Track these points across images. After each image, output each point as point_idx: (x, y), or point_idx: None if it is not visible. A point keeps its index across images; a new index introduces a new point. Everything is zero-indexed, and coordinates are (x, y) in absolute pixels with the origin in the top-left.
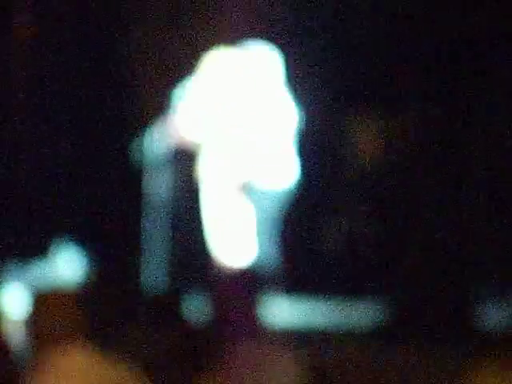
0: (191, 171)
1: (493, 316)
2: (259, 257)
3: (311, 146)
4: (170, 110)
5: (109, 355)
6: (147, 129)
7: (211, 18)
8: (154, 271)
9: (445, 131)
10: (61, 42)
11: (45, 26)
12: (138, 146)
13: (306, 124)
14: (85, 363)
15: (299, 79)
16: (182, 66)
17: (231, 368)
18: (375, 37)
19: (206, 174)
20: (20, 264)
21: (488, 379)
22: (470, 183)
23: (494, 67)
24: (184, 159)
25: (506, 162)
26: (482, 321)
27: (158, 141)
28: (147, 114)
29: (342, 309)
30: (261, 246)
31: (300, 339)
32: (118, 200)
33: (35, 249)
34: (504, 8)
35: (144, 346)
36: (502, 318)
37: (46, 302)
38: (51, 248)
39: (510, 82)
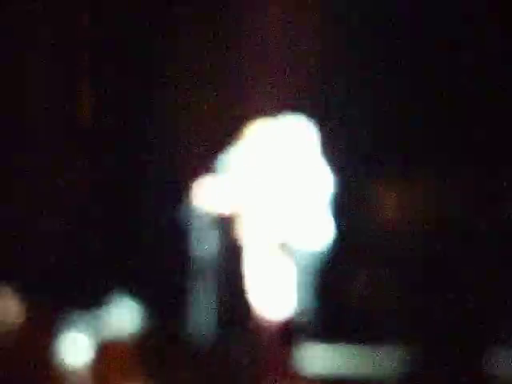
0: (234, 232)
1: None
2: (297, 309)
3: (343, 209)
4: (216, 175)
5: None
6: (195, 193)
7: (252, 90)
8: (201, 323)
9: (466, 198)
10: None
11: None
12: (186, 209)
13: (339, 189)
14: None
15: (331, 148)
16: (227, 134)
17: None
18: (400, 107)
19: (247, 234)
20: (81, 315)
21: None
22: (481, 243)
23: None
24: (228, 221)
25: None
26: (499, 368)
27: (205, 204)
28: (195, 178)
29: (369, 357)
30: (298, 300)
31: None
32: (169, 258)
33: (95, 302)
34: None
35: None
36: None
37: (106, 350)
38: (110, 302)
39: None
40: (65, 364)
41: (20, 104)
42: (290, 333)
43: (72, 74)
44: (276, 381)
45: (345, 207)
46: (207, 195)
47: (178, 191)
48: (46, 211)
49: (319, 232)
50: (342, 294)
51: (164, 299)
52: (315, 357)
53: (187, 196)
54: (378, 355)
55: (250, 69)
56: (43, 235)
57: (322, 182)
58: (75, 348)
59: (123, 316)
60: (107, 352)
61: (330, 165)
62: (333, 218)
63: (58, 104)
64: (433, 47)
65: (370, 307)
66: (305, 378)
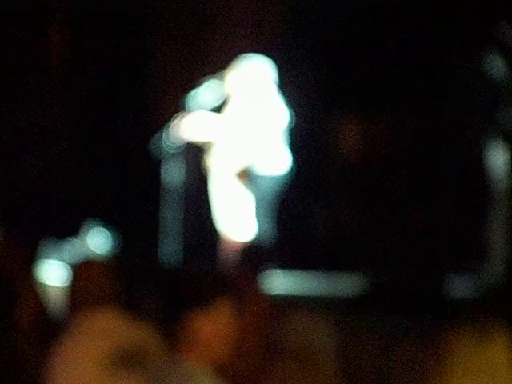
0: (201, 162)
1: (460, 287)
2: (258, 234)
3: (303, 140)
4: (186, 110)
5: (132, 319)
6: (166, 126)
7: (220, 34)
8: (170, 249)
9: (418, 135)
10: (92, 50)
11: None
12: (157, 140)
13: (299, 122)
14: (112, 324)
15: (293, 85)
16: (197, 73)
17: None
18: (360, 46)
19: (213, 163)
20: (57, 242)
21: (458, 344)
22: (438, 177)
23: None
24: (195, 152)
25: (470, 165)
26: (451, 291)
27: (174, 136)
28: (166, 113)
29: (327, 281)
30: (259, 224)
31: (290, 307)
32: (141, 187)
33: (70, 230)
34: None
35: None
36: (468, 288)
37: (80, 271)
38: (83, 229)
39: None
40: (43, 289)
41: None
42: (254, 257)
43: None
44: (242, 303)
45: (303, 139)
46: (180, 127)
47: (151, 123)
48: (24, 144)
49: (279, 161)
50: (303, 223)
51: (134, 227)
52: (278, 282)
53: (159, 128)
54: (338, 280)
55: (220, 14)
56: (22, 167)
57: (281, 114)
58: (52, 272)
59: (96, 243)
60: (82, 273)
61: (289, 100)
62: (293, 149)
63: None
64: None
65: (329, 235)
66: (270, 300)
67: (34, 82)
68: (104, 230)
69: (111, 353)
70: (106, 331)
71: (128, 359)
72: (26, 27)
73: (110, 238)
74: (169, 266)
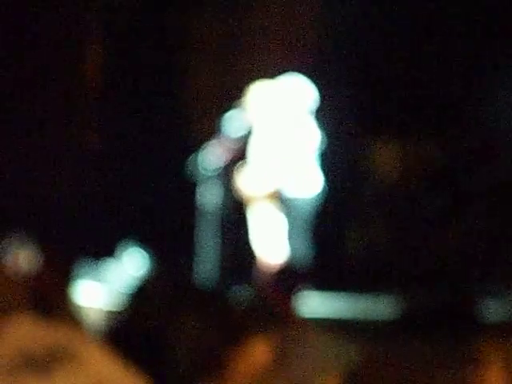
0: (236, 184)
1: (495, 310)
2: (292, 257)
3: (339, 163)
4: (221, 132)
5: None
6: (202, 147)
7: (256, 53)
8: (206, 270)
9: (451, 159)
10: (129, 69)
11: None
12: (193, 162)
13: (334, 145)
14: (19, 329)
15: (328, 106)
16: (233, 94)
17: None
18: (399, 70)
19: (247, 186)
20: (94, 263)
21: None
22: (471, 200)
23: None
24: (231, 174)
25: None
26: (485, 315)
27: (210, 158)
28: (202, 134)
29: (363, 304)
30: (293, 246)
31: (327, 329)
32: (177, 208)
33: (106, 250)
34: None
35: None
36: (503, 311)
37: None
38: (120, 249)
39: None
40: (80, 310)
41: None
42: (289, 279)
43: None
44: (278, 326)
45: (338, 162)
46: (213, 149)
47: (187, 145)
48: (58, 162)
49: (313, 183)
50: (337, 244)
51: (171, 248)
52: (313, 303)
53: (195, 149)
54: (372, 302)
55: (254, 34)
56: (56, 186)
57: (315, 137)
58: (88, 294)
59: (132, 264)
60: None
61: (324, 122)
62: (325, 172)
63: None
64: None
65: (364, 257)
66: (306, 323)
67: (70, 101)
68: (140, 250)
69: (15, 357)
70: (11, 336)
71: (37, 363)
72: (63, 44)
73: (146, 259)
74: (207, 292)
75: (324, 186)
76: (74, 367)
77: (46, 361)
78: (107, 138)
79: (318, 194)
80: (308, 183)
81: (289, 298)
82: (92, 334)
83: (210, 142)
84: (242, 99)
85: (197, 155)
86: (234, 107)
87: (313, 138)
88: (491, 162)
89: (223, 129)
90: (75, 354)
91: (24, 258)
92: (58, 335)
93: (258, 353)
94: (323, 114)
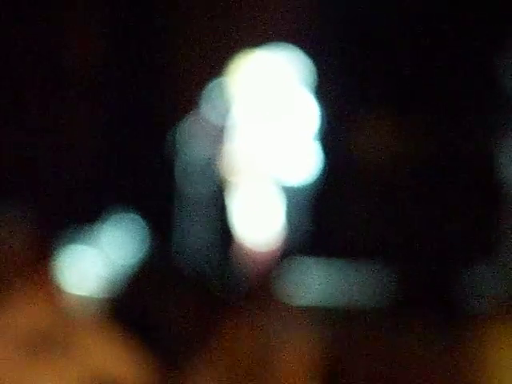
0: (222, 164)
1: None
2: (286, 237)
3: (334, 140)
4: (205, 106)
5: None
6: (185, 123)
7: (244, 23)
8: (188, 250)
9: (447, 136)
10: (111, 43)
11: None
12: (176, 137)
13: (328, 123)
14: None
15: (322, 81)
16: (217, 66)
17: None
18: (392, 43)
19: (234, 166)
20: (83, 228)
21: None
22: (451, 174)
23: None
24: (216, 152)
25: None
26: (464, 286)
27: (194, 136)
28: (185, 109)
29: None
30: (287, 228)
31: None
32: (158, 187)
33: (94, 216)
34: None
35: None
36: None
37: None
38: (107, 216)
39: None
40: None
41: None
42: (273, 262)
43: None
44: (260, 307)
45: (332, 141)
46: (200, 125)
47: (170, 120)
48: (52, 130)
49: (306, 163)
50: (332, 220)
51: (152, 228)
52: (305, 287)
53: (177, 126)
54: (365, 276)
55: (245, 4)
56: (48, 154)
57: (309, 114)
58: (77, 261)
59: (119, 230)
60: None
61: (318, 99)
62: (321, 150)
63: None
64: None
65: (359, 233)
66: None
67: (58, 68)
68: (128, 217)
69: (29, 334)
70: (23, 312)
71: (39, 344)
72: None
73: (134, 226)
74: (190, 274)
75: (317, 164)
76: (70, 352)
77: (42, 345)
78: (94, 103)
79: (311, 172)
80: (299, 159)
81: (270, 279)
82: (88, 319)
83: (194, 117)
84: (228, 71)
85: (180, 130)
86: (221, 79)
87: (304, 111)
88: (471, 137)
89: (208, 102)
90: (72, 338)
91: (13, 229)
92: (54, 319)
93: (239, 332)
94: (316, 93)
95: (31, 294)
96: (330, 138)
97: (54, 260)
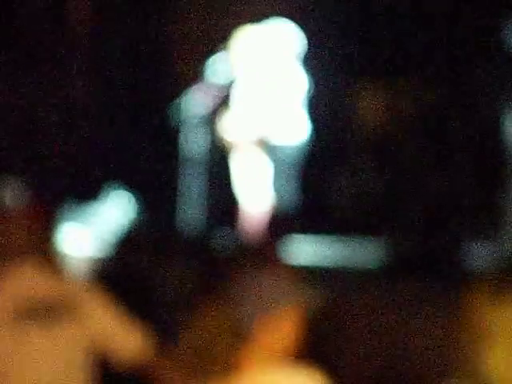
0: (220, 130)
1: (479, 256)
2: (278, 203)
3: (323, 109)
4: (204, 77)
5: (55, 271)
6: (184, 93)
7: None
8: (191, 216)
9: (438, 103)
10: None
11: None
12: (177, 108)
13: (319, 90)
14: (23, 276)
15: (314, 52)
16: (216, 38)
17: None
18: (380, 16)
19: (232, 132)
20: (78, 205)
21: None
22: (455, 145)
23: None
24: (214, 119)
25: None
26: (470, 260)
27: (193, 104)
28: (185, 80)
29: (349, 249)
30: (279, 193)
31: (312, 274)
32: (160, 154)
33: (91, 193)
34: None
35: (177, 276)
36: (487, 257)
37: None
38: (102, 193)
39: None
40: (63, 253)
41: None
42: (275, 224)
43: None
44: (263, 271)
45: (323, 107)
46: (198, 95)
47: (171, 90)
48: (48, 105)
49: (299, 128)
50: (324, 189)
51: (156, 195)
52: (299, 249)
53: (178, 96)
54: (359, 248)
55: None
56: (44, 127)
57: (301, 82)
58: (72, 238)
59: (116, 207)
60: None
61: (309, 67)
62: (312, 117)
63: None
64: None
65: (352, 203)
66: (291, 268)
67: (56, 50)
68: (125, 194)
69: (17, 304)
70: (13, 283)
71: (39, 311)
72: None
73: (131, 204)
74: (191, 238)
75: (312, 131)
76: (75, 319)
77: (47, 311)
78: (91, 81)
79: (306, 139)
80: (294, 128)
81: (273, 243)
82: (91, 285)
83: (194, 87)
84: (227, 44)
85: (180, 100)
86: (219, 51)
87: (299, 83)
88: (476, 108)
89: (207, 74)
90: (76, 305)
91: (11, 199)
92: (58, 286)
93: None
94: (309, 60)
95: (31, 261)
96: (324, 106)
97: (53, 230)
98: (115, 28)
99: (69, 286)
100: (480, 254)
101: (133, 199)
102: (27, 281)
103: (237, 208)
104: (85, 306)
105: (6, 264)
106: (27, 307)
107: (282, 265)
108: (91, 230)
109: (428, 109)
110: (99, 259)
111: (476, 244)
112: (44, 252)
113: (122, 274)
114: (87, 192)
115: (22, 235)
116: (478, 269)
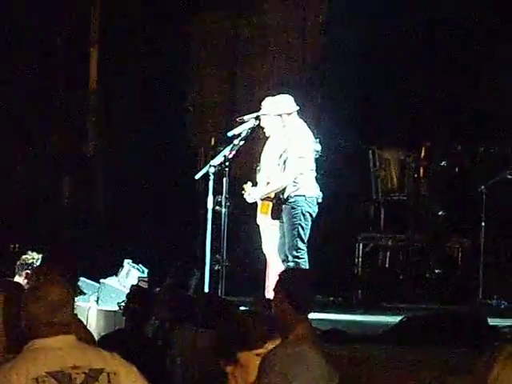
0: (243, 191)
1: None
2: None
3: (339, 171)
4: (227, 139)
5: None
6: (208, 155)
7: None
8: (213, 277)
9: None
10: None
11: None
12: (200, 169)
13: (337, 154)
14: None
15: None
16: (238, 103)
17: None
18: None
19: (254, 193)
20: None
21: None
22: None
23: None
24: (236, 178)
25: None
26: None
27: (216, 164)
28: (207, 142)
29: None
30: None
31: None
32: (184, 214)
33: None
34: None
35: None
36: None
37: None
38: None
39: None
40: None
41: None
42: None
43: None
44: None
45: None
46: (218, 157)
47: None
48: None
49: (313, 189)
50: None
51: (177, 255)
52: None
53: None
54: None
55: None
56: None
57: (314, 146)
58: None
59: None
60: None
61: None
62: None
63: None
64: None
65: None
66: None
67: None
68: (140, 267)
69: (40, 376)
70: (44, 355)
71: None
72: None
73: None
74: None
75: (325, 193)
76: None
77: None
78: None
79: (319, 200)
80: (309, 188)
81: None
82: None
83: (216, 150)
84: (248, 110)
85: (202, 163)
86: (239, 117)
87: (313, 146)
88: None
89: (228, 136)
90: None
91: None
92: (95, 357)
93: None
94: (326, 125)
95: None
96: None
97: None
98: (137, 92)
99: (107, 358)
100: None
101: (152, 264)
102: (54, 354)
103: (259, 269)
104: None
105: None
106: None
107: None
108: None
109: (445, 174)
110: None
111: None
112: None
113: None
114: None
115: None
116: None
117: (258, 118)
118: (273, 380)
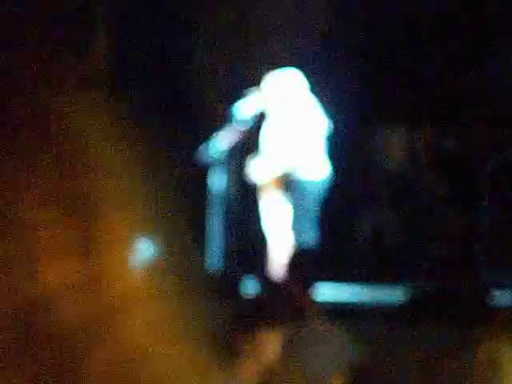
0: (245, 170)
1: (505, 297)
2: (300, 242)
3: (347, 149)
4: (232, 118)
5: None
6: (213, 134)
7: (267, 43)
8: (217, 258)
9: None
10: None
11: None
12: (205, 149)
13: (344, 131)
14: None
15: (339, 93)
16: (244, 81)
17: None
18: (399, 63)
19: (258, 173)
20: None
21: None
22: (477, 185)
23: None
24: (240, 160)
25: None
26: (495, 300)
27: (221, 144)
28: (213, 121)
29: (371, 291)
30: (301, 232)
31: (336, 316)
32: (186, 194)
33: None
34: None
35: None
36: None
37: None
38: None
39: None
40: None
41: None
42: (300, 266)
43: None
44: (291, 314)
45: (348, 148)
46: (225, 137)
47: (198, 133)
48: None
49: (321, 169)
50: (344, 231)
51: (181, 236)
52: (323, 291)
53: (206, 137)
54: (381, 289)
55: (261, 26)
56: None
57: (324, 122)
58: None
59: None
60: None
61: (335, 107)
62: (336, 157)
63: None
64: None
65: (373, 243)
66: (318, 311)
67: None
68: (149, 237)
69: None
70: None
71: None
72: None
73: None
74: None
75: (333, 173)
76: None
77: None
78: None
79: (327, 180)
80: (317, 168)
81: (301, 285)
82: None
83: (222, 129)
84: (254, 87)
85: (208, 142)
86: (246, 94)
87: (322, 123)
88: (496, 148)
89: (234, 115)
90: None
91: None
92: None
93: (269, 342)
94: (334, 100)
95: None
96: (346, 148)
97: None
98: (143, 69)
99: None
100: (502, 294)
101: (156, 242)
102: None
103: (263, 249)
104: None
105: None
106: None
107: (311, 307)
108: None
109: (448, 150)
110: None
111: (500, 285)
112: None
113: None
114: None
115: None
116: (502, 307)
117: (263, 94)
118: None
